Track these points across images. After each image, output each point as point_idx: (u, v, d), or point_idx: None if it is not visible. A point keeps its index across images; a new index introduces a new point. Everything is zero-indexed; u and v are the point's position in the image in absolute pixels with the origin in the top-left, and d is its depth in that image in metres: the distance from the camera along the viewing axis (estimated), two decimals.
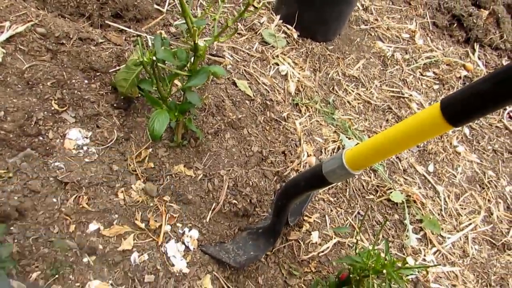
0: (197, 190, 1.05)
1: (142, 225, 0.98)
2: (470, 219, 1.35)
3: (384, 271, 0.81)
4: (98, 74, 1.16)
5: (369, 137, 1.41)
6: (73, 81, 1.12)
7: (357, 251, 1.00)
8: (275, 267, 1.03)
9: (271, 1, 1.68)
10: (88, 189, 0.97)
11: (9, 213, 0.86)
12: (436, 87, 1.70)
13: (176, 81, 1.14)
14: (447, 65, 1.78)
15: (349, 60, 1.62)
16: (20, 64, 1.08)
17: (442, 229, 1.25)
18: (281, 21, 1.58)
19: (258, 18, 1.56)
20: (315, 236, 1.11)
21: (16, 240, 0.84)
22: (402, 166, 1.39)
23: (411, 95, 1.60)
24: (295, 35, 1.56)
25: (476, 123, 1.64)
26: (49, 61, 1.13)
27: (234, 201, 1.05)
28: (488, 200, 1.42)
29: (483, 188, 1.45)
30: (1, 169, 0.92)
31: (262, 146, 1.22)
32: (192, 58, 0.94)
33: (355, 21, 1.79)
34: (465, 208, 1.38)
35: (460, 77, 1.76)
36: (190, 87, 0.97)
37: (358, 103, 1.50)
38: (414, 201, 1.28)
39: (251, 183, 1.10)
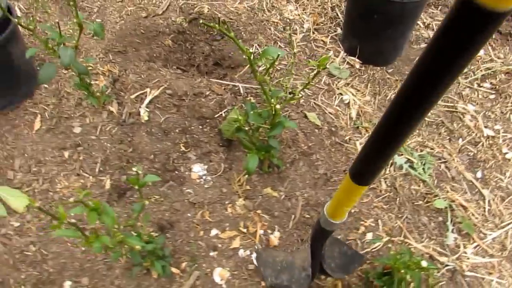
0: (280, 207, 1.48)
1: (244, 230, 1.45)
2: None
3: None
4: (207, 120, 1.63)
5: (420, 151, 1.69)
6: (192, 127, 1.61)
7: (400, 249, 1.36)
8: None
9: (338, 33, 2.00)
10: (208, 206, 1.46)
11: (164, 225, 1.39)
12: (492, 97, 1.88)
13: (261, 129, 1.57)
14: (506, 73, 1.93)
15: None
16: (158, 118, 1.60)
17: (476, 227, 1.52)
18: (346, 53, 1.90)
19: (326, 53, 1.90)
20: (369, 236, 1.48)
21: (170, 243, 1.37)
22: (450, 174, 1.66)
23: (464, 108, 1.82)
24: (358, 65, 1.87)
25: None
26: (176, 113, 1.64)
27: (307, 215, 1.48)
28: None
29: None
30: (157, 195, 1.45)
31: (327, 168, 1.60)
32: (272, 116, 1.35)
33: (415, 40, 2.02)
34: (509, 209, 1.61)
35: None
36: (271, 136, 1.39)
37: None
38: (457, 206, 1.56)
39: (319, 201, 1.51)
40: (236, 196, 1.50)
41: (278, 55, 1.18)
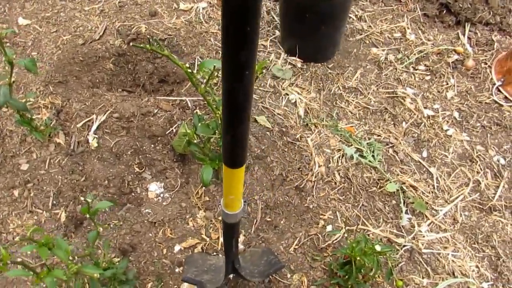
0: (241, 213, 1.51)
1: (207, 239, 1.47)
2: (459, 191, 1.68)
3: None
4: (159, 138, 1.64)
5: (368, 139, 1.77)
6: (144, 147, 1.61)
7: (356, 237, 1.42)
8: (302, 256, 1.48)
9: (276, 35, 2.05)
10: (169, 223, 1.47)
11: (126, 248, 1.39)
12: (428, 78, 1.98)
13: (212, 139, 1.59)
14: (437, 54, 2.04)
15: (347, 73, 1.96)
16: (108, 143, 1.60)
17: (428, 205, 1.61)
18: (286, 54, 1.95)
19: (267, 56, 1.95)
20: (329, 228, 1.54)
21: (134, 265, 1.37)
22: (399, 157, 1.74)
23: (404, 92, 1.91)
24: (299, 64, 1.93)
25: (465, 104, 1.92)
26: (125, 135, 1.64)
27: (268, 218, 1.51)
28: (477, 172, 1.74)
29: (473, 162, 1.76)
30: (115, 220, 1.45)
31: (282, 168, 1.64)
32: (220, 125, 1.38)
33: (350, 33, 2.10)
34: (455, 183, 1.71)
35: (451, 63, 2.02)
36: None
37: (358, 111, 1.85)
38: (407, 187, 1.64)
39: (278, 202, 1.54)
40: (196, 209, 1.52)
41: (214, 66, 1.21)
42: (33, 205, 1.42)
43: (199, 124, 1.37)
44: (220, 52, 1.93)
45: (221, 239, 1.46)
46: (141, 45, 1.15)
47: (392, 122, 1.83)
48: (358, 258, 1.25)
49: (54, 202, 1.43)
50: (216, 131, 1.40)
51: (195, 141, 1.41)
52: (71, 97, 1.67)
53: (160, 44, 1.19)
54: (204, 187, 1.55)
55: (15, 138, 1.53)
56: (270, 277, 1.42)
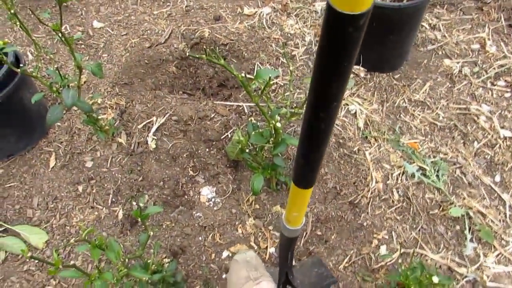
0: None
1: (255, 246, 1.46)
2: None
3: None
4: (214, 143, 1.66)
5: (433, 157, 1.65)
6: (199, 151, 1.64)
7: (412, 263, 1.33)
8: (352, 275, 1.42)
9: None
10: (218, 228, 1.48)
11: (176, 250, 1.42)
12: (507, 95, 1.80)
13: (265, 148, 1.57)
14: None
15: (415, 85, 1.84)
16: (166, 145, 1.64)
17: (497, 235, 1.46)
18: None
19: None
20: (383, 249, 1.46)
21: (183, 267, 1.39)
22: (467, 179, 1.60)
23: (478, 109, 1.76)
24: (363, 74, 1.85)
25: None
26: (182, 138, 1.67)
27: (319, 231, 1.46)
28: None
29: None
30: (168, 221, 1.49)
31: (336, 181, 1.58)
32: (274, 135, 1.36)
33: (421, 43, 1.97)
34: None
35: None
36: (275, 154, 1.39)
37: (424, 126, 1.73)
38: (474, 213, 1.51)
39: (329, 216, 1.49)
40: (246, 216, 1.51)
41: (270, 77, 1.19)
42: (95, 201, 1.50)
43: (253, 133, 1.36)
44: (283, 60, 1.91)
45: (270, 250, 1.44)
46: (197, 55, 1.16)
47: (462, 141, 1.69)
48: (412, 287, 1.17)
49: (113, 199, 1.50)
50: (270, 140, 1.39)
51: (247, 149, 1.40)
52: (135, 99, 1.74)
53: (216, 53, 1.20)
54: (254, 196, 1.54)
55: (82, 136, 1.63)
56: None
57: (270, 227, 1.48)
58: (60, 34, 1.15)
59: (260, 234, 1.47)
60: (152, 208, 1.10)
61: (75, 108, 1.70)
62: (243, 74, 1.20)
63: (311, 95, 0.57)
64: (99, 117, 1.57)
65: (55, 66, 1.29)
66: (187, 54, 1.14)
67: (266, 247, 1.45)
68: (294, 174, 0.78)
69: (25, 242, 1.40)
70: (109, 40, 1.95)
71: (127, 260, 1.07)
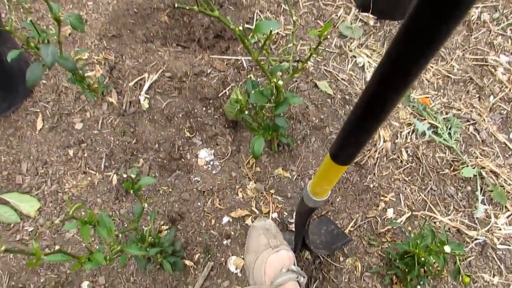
0: (293, 188, 1.41)
1: (257, 211, 1.40)
2: None
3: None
4: (211, 101, 1.55)
5: (446, 114, 1.54)
6: (196, 110, 1.53)
7: (422, 230, 1.27)
8: (357, 239, 1.37)
9: None
10: (218, 193, 1.41)
11: (174, 217, 1.37)
12: None
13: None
14: None
15: None
16: (160, 104, 1.53)
17: (510, 195, 1.40)
18: (358, 10, 1.71)
19: (335, 11, 1.72)
20: (390, 212, 1.40)
21: (182, 234, 1.34)
22: (480, 137, 1.51)
23: (496, 60, 1.62)
24: (372, 22, 1.69)
25: None
26: (177, 96, 1.56)
27: None
28: None
29: None
30: (164, 186, 1.42)
31: None
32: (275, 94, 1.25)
33: None
34: None
35: None
36: (277, 114, 1.29)
37: (437, 79, 1.61)
38: (487, 173, 1.43)
39: None
40: (247, 179, 1.44)
41: (271, 30, 1.06)
42: (87, 165, 1.42)
43: (252, 91, 1.25)
44: (285, 7, 1.74)
45: (272, 215, 1.39)
46: (187, 6, 1.02)
47: (477, 95, 1.57)
48: (421, 256, 1.12)
49: (106, 164, 1.42)
50: (271, 99, 1.28)
51: (247, 110, 1.29)
52: (125, 53, 1.60)
53: (210, 2, 1.06)
54: (255, 159, 1.46)
55: (70, 95, 1.51)
56: (321, 258, 1.34)
57: (272, 191, 1.41)
58: None
59: (261, 198, 1.41)
60: (144, 179, 1.02)
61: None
62: (240, 27, 1.07)
63: (382, 69, 0.50)
64: (86, 75, 1.45)
65: (30, 18, 1.14)
66: (176, 5, 0.99)
67: (268, 211, 1.39)
68: (335, 150, 0.71)
69: (16, 211, 1.34)
70: None
71: (120, 235, 1.01)
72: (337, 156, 0.72)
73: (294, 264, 1.10)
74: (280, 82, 1.20)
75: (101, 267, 1.30)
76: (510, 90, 1.57)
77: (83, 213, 1.36)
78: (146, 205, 1.04)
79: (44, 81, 1.56)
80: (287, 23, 1.71)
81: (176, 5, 0.98)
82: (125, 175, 1.41)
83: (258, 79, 1.58)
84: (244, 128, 1.51)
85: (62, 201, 1.37)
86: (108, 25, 1.66)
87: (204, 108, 1.53)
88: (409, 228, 1.36)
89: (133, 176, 1.00)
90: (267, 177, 1.44)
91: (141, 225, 1.33)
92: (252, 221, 1.37)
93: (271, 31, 1.06)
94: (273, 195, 1.41)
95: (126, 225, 1.33)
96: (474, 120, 1.53)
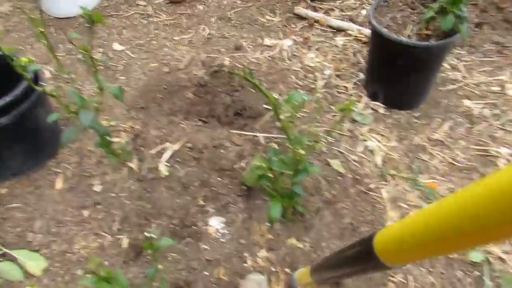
0: (306, 260, 1.40)
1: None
2: None
3: None
4: (227, 172, 1.62)
5: None
6: (211, 180, 1.59)
7: None
8: None
9: (360, 79, 1.96)
10: (225, 262, 1.41)
11: (181, 285, 1.35)
12: None
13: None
14: None
15: (434, 124, 1.80)
16: (178, 172, 1.60)
17: None
18: (369, 99, 1.85)
19: (348, 98, 1.87)
20: None
21: None
22: None
23: (498, 151, 1.71)
24: (382, 110, 1.82)
25: None
26: (196, 166, 1.63)
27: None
28: None
29: None
30: (174, 253, 1.42)
31: (353, 217, 1.52)
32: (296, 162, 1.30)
33: (442, 82, 1.95)
34: None
35: None
36: (295, 182, 1.34)
37: (443, 166, 1.68)
38: (494, 259, 1.43)
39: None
40: (257, 247, 1.44)
41: (304, 99, 1.16)
42: (99, 227, 1.45)
43: (275, 158, 1.31)
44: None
45: None
46: (236, 72, 1.13)
47: None
48: None
49: (119, 227, 1.45)
50: (290, 168, 1.32)
51: (268, 175, 1.34)
52: (150, 123, 1.71)
53: (252, 74, 1.17)
54: (268, 225, 1.48)
55: (93, 159, 1.59)
56: None
57: (287, 269, 1.40)
58: (87, 55, 1.14)
59: (273, 272, 1.39)
60: (165, 240, 1.05)
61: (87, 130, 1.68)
62: (275, 95, 1.15)
63: None
64: (112, 140, 1.54)
65: (74, 86, 1.27)
66: (226, 70, 1.11)
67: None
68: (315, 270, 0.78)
69: (21, 268, 1.34)
70: (128, 63, 1.95)
71: None
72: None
73: None
74: (302, 151, 1.27)
75: None
76: None
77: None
78: (161, 266, 1.04)
79: (69, 145, 1.65)
80: (302, 107, 1.84)
81: (226, 70, 1.09)
82: (138, 238, 1.42)
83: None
84: (257, 196, 1.55)
85: (69, 261, 1.37)
86: (137, 98, 1.80)
87: (219, 178, 1.59)
88: None
89: (154, 236, 1.03)
90: (279, 246, 1.44)
91: None
92: None
93: (304, 99, 1.16)
94: (286, 272, 1.40)
95: None
96: None
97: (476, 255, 1.44)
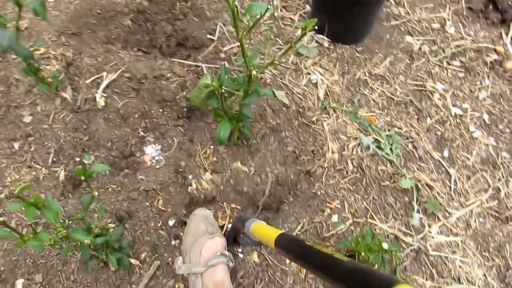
0: (250, 183, 1.44)
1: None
2: (477, 197, 1.58)
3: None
4: (168, 103, 1.57)
5: (388, 131, 1.67)
6: (152, 111, 1.54)
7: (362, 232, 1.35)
8: None
9: (306, 11, 1.93)
10: (162, 191, 1.40)
11: (122, 215, 1.34)
12: (461, 75, 1.85)
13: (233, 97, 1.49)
14: (476, 51, 1.90)
15: (376, 59, 1.84)
16: (116, 104, 1.53)
17: (441, 207, 1.52)
18: (314, 32, 1.83)
19: (294, 31, 1.84)
20: (335, 218, 1.47)
21: (129, 233, 1.32)
22: (418, 153, 1.64)
23: (433, 86, 1.79)
24: (326, 44, 1.82)
25: (497, 107, 1.79)
26: (135, 97, 1.56)
27: (275, 197, 1.44)
28: (499, 179, 1.63)
29: (495, 169, 1.65)
30: (114, 184, 1.40)
31: (295, 146, 1.56)
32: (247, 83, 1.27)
33: (386, 17, 1.96)
34: (474, 188, 1.61)
35: (488, 62, 1.88)
36: (245, 103, 1.32)
37: (382, 100, 1.74)
38: (423, 186, 1.55)
39: (288, 178, 1.47)
40: (202, 170, 1.44)
41: (267, 9, 1.08)
42: (33, 160, 1.37)
43: (226, 77, 1.28)
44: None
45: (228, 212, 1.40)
46: None
47: (416, 117, 1.72)
48: (362, 254, 1.19)
49: (55, 159, 1.38)
50: (241, 88, 1.29)
51: (217, 95, 1.29)
52: (83, 51, 1.59)
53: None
54: (212, 143, 1.48)
55: (21, 88, 1.47)
56: (268, 260, 1.37)
57: (233, 205, 1.41)
58: None
59: (220, 207, 1.42)
60: (98, 166, 1.02)
61: (13, 56, 1.53)
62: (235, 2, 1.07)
63: None
64: (41, 68, 1.42)
65: None
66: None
67: (224, 225, 1.39)
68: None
69: None
70: None
71: (67, 222, 0.99)
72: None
73: (225, 250, 1.23)
74: (255, 72, 1.23)
75: (38, 264, 1.24)
76: (444, 113, 1.73)
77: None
78: (96, 193, 1.02)
79: None
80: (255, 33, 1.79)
81: None
82: (77, 165, 1.37)
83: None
84: (199, 118, 1.53)
85: (0, 193, 1.31)
86: (68, 23, 1.65)
87: (161, 110, 1.55)
88: (353, 234, 1.43)
89: (86, 161, 0.99)
90: (224, 169, 1.46)
91: (87, 222, 1.29)
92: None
93: (267, 9, 1.09)
94: (232, 208, 1.42)
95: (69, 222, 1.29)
96: (413, 138, 1.66)
97: (406, 182, 1.55)
